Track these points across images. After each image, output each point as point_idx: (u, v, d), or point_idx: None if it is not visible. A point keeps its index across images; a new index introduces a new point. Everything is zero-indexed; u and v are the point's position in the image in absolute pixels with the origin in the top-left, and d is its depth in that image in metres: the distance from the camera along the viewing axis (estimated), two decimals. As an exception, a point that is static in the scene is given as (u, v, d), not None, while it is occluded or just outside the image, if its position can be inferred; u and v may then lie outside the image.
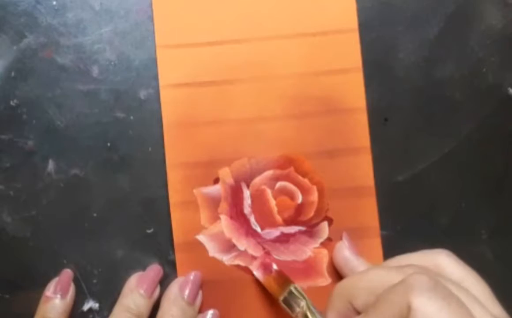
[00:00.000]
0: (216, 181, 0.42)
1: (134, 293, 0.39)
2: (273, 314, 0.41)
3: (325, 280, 0.41)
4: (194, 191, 0.41)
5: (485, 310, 0.31)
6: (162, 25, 0.42)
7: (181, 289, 0.40)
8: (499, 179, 0.41)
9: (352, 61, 0.42)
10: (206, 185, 0.41)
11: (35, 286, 0.41)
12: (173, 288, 0.40)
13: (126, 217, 0.41)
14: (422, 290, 0.29)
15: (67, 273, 0.40)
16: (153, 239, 0.41)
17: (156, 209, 0.41)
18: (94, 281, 0.41)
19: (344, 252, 0.40)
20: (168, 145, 0.41)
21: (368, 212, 0.41)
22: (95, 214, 0.41)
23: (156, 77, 0.42)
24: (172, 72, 0.42)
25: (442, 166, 0.41)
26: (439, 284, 0.31)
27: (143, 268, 0.41)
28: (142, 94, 0.42)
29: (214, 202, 0.42)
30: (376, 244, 0.41)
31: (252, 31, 0.42)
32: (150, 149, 0.42)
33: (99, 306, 0.41)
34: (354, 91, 0.42)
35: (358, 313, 0.33)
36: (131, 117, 0.42)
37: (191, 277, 0.40)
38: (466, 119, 0.42)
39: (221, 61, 0.42)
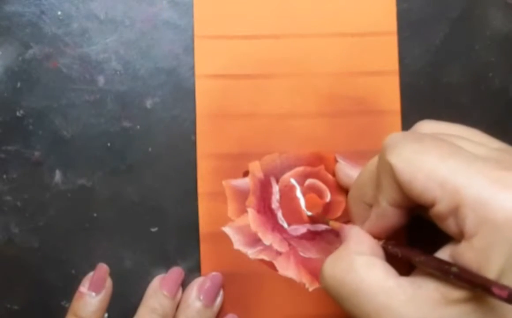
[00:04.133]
0: (246, 174, 0.42)
1: (158, 294, 0.40)
2: (295, 310, 0.41)
3: None
4: (223, 182, 0.41)
5: (478, 145, 0.30)
6: (201, 15, 0.42)
7: (199, 291, 0.40)
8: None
9: (389, 63, 0.42)
10: (235, 177, 0.42)
11: (44, 297, 0.41)
12: (191, 289, 0.40)
13: (135, 227, 0.41)
14: (393, 145, 0.30)
15: (102, 268, 0.40)
16: (164, 251, 0.41)
17: (166, 219, 0.41)
18: (103, 291, 0.41)
19: (346, 170, 0.40)
20: (199, 135, 0.41)
21: None
22: (103, 224, 0.41)
23: (161, 86, 0.42)
24: (208, 63, 0.42)
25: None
26: (408, 134, 0.31)
27: (152, 279, 0.41)
28: (149, 103, 0.42)
29: (242, 195, 0.42)
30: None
31: (290, 27, 0.42)
32: (160, 157, 0.42)
33: (108, 316, 0.41)
34: (389, 94, 0.42)
35: None
36: (138, 127, 0.42)
37: (210, 279, 0.40)
38: (473, 124, 0.41)
39: (258, 55, 0.42)
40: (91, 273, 0.40)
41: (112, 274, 0.41)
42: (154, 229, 0.41)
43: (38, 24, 0.42)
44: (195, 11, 0.42)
